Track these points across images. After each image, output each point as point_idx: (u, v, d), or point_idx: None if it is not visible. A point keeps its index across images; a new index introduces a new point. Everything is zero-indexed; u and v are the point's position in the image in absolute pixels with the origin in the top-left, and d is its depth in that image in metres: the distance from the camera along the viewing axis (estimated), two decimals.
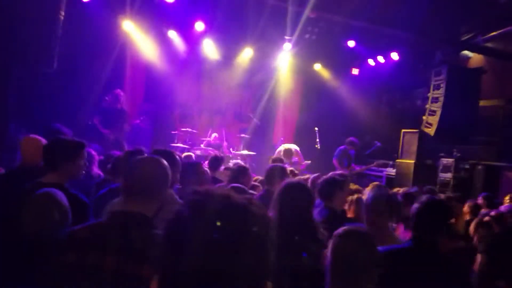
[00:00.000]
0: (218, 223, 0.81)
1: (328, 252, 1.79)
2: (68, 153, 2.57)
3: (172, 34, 9.91)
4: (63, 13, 5.77)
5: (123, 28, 9.14)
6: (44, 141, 3.09)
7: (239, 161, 8.03)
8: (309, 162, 9.01)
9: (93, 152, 4.36)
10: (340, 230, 1.84)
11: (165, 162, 1.82)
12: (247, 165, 5.07)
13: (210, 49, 10.35)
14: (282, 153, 8.25)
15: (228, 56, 10.57)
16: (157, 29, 9.65)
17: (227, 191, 0.89)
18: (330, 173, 3.50)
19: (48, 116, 6.52)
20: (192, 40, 10.06)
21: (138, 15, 8.98)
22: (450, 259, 2.47)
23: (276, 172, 3.60)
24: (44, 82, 7.04)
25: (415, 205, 2.48)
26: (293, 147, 8.88)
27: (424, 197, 2.52)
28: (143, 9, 8.82)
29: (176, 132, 9.69)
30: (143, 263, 1.51)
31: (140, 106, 9.99)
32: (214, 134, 10.03)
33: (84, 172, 2.81)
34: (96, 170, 4.37)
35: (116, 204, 2.24)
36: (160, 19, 9.38)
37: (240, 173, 4.29)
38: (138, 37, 9.47)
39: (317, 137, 9.69)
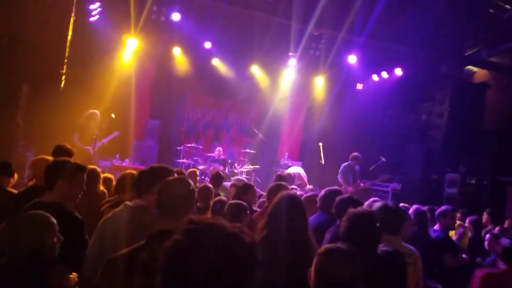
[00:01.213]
0: (212, 252, 0.88)
1: (312, 270, 1.79)
2: (64, 174, 2.65)
3: (178, 52, 10.07)
4: (70, 33, 5.93)
5: (129, 45, 9.31)
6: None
7: (242, 177, 8.06)
8: (311, 187, 8.90)
9: (98, 171, 4.42)
10: (322, 248, 1.85)
11: (191, 181, 2.04)
12: (252, 181, 5.11)
13: (216, 66, 10.50)
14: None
15: (233, 72, 10.69)
16: (163, 46, 9.81)
17: (220, 221, 0.96)
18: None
19: (55, 134, 6.64)
20: (198, 57, 10.21)
21: (144, 33, 9.16)
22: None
23: (274, 190, 3.62)
24: (51, 101, 7.17)
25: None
26: (297, 170, 8.84)
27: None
28: (149, 27, 9.00)
29: (181, 148, 9.78)
30: None
31: (146, 123, 10.12)
32: (218, 149, 10.09)
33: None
34: (101, 188, 4.43)
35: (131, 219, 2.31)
36: (166, 37, 9.54)
37: (244, 190, 4.33)
38: (144, 54, 9.64)
39: (321, 153, 9.71)
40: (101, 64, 8.73)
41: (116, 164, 8.29)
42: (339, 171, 8.89)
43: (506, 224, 5.57)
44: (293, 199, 2.76)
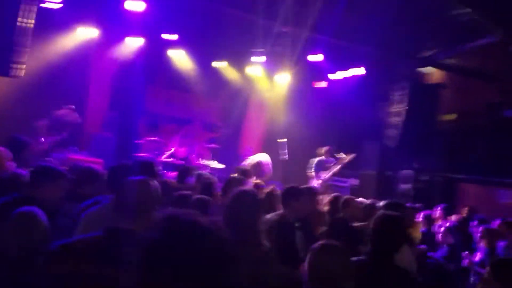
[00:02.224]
0: (188, 247, 0.89)
1: (305, 266, 1.85)
2: (50, 178, 2.97)
3: (140, 42, 9.78)
4: (32, 22, 5.67)
5: (88, 35, 8.98)
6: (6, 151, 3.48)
7: (206, 172, 7.99)
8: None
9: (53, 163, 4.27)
10: (316, 244, 1.91)
11: (156, 183, 2.03)
12: (215, 177, 5.08)
13: (179, 58, 10.30)
14: (250, 166, 8.31)
15: (197, 66, 10.55)
16: (123, 36, 9.54)
17: (195, 216, 0.97)
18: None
19: (12, 125, 6.38)
20: (160, 48, 9.99)
21: (105, 23, 8.87)
22: (405, 272, 2.57)
23: (233, 183, 3.65)
24: (10, 92, 6.88)
25: (373, 221, 2.57)
26: (263, 158, 8.89)
27: (380, 213, 2.62)
28: (109, 16, 8.72)
29: (141, 141, 9.57)
30: None
31: (104, 115, 9.82)
32: (180, 143, 9.96)
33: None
34: None
35: (104, 219, 2.28)
36: (126, 27, 9.26)
37: (209, 186, 4.32)
38: (102, 44, 9.30)
39: (285, 148, 9.82)
40: (57, 54, 8.40)
41: (72, 157, 8.01)
42: (313, 166, 9.10)
43: (456, 218, 5.86)
44: (247, 194, 2.76)
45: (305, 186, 4.45)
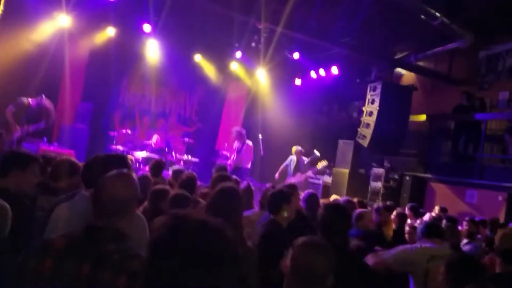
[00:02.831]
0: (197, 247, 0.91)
1: (287, 260, 1.87)
2: (18, 163, 2.76)
3: (114, 32, 9.58)
4: (1, 9, 5.48)
5: (61, 24, 8.71)
6: None
7: (181, 167, 7.95)
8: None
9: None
10: (300, 239, 1.93)
11: (135, 178, 1.88)
12: (190, 171, 5.07)
13: (156, 51, 10.13)
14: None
15: (174, 59, 10.43)
16: (98, 26, 9.33)
17: (203, 216, 0.98)
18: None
19: None
20: (136, 40, 9.82)
21: (78, 10, 8.63)
22: (355, 260, 2.67)
23: (217, 181, 3.64)
24: None
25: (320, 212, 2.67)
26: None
27: (326, 205, 2.69)
28: (83, 5, 8.52)
29: (115, 133, 9.42)
30: (119, 275, 1.60)
31: (77, 105, 9.60)
32: (156, 137, 9.85)
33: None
34: None
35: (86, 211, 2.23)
36: (101, 16, 9.06)
37: (190, 181, 4.31)
38: (77, 33, 9.06)
39: (260, 144, 9.88)
40: (29, 42, 8.15)
41: (43, 147, 7.80)
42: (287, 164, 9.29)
43: (427, 217, 6.06)
44: (231, 190, 2.82)
45: (287, 185, 4.48)
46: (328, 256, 1.89)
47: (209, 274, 0.89)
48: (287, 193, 3.48)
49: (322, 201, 5.33)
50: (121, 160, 2.65)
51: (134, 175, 1.91)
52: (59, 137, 9.03)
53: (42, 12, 8.25)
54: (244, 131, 9.19)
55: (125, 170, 1.95)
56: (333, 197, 6.90)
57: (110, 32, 9.50)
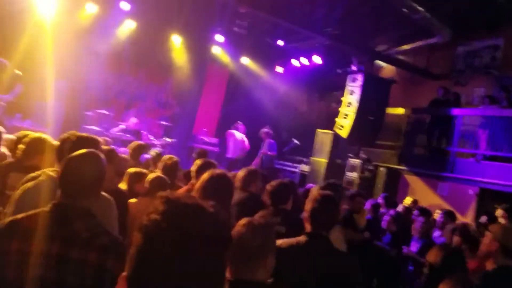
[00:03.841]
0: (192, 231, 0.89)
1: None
2: None
3: (92, 9, 9.31)
4: None
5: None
6: None
7: (158, 149, 7.86)
8: None
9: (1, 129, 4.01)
10: (243, 220, 1.93)
11: (103, 157, 1.89)
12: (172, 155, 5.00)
13: (133, 30, 9.91)
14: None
15: (153, 40, 10.20)
16: (75, 2, 9.03)
17: (197, 200, 0.97)
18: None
19: None
20: (115, 18, 9.57)
21: None
22: (341, 252, 2.68)
23: (203, 167, 3.60)
24: None
25: (311, 202, 2.61)
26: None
27: (317, 194, 2.66)
28: None
29: (90, 113, 9.21)
30: (89, 251, 1.63)
31: (51, 82, 9.29)
32: (133, 119, 9.68)
33: None
34: (2, 150, 4.04)
35: (52, 192, 2.16)
36: None
37: (173, 167, 4.27)
38: (51, 8, 8.73)
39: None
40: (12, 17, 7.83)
41: (16, 124, 7.56)
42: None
43: (400, 208, 6.20)
44: (222, 177, 2.82)
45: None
46: (266, 234, 1.90)
47: (202, 258, 0.88)
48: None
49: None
50: (93, 141, 2.60)
51: (101, 156, 1.90)
52: (33, 115, 8.75)
53: None
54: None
55: (92, 150, 1.94)
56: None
57: (90, 8, 9.24)
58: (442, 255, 2.82)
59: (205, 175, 2.78)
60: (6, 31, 7.78)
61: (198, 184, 2.77)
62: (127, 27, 9.83)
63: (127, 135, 9.03)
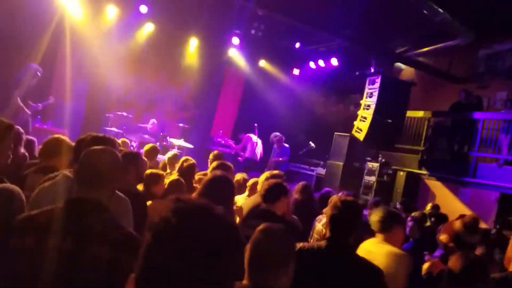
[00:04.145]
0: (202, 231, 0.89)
1: (248, 246, 1.83)
2: None
3: (114, 13, 9.45)
4: None
5: (59, 1, 8.56)
6: None
7: (176, 152, 7.91)
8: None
9: (21, 131, 4.08)
10: (262, 225, 1.89)
11: (117, 152, 1.96)
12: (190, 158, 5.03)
13: (153, 33, 10.02)
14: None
15: (172, 43, 10.30)
16: (96, 4, 9.17)
17: (207, 202, 0.98)
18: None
19: None
20: (134, 21, 9.69)
21: None
22: (361, 260, 2.61)
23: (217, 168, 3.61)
24: None
25: (330, 209, 2.58)
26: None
27: (338, 201, 2.61)
28: None
29: (110, 115, 9.33)
30: (102, 245, 1.63)
31: (72, 84, 9.45)
32: (152, 121, 9.77)
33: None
34: (22, 150, 4.11)
35: (67, 191, 2.23)
36: None
37: (190, 169, 4.29)
38: (75, 12, 8.91)
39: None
40: (29, 20, 8.01)
41: (37, 126, 7.72)
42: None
43: (417, 214, 6.07)
44: (222, 179, 2.80)
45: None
46: (289, 242, 1.86)
47: (211, 259, 0.88)
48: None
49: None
50: (109, 141, 2.62)
51: (116, 151, 1.96)
52: (54, 116, 8.92)
53: None
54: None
55: (108, 147, 2.00)
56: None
57: (110, 11, 9.38)
58: (463, 263, 2.74)
59: (206, 178, 2.79)
60: (30, 31, 7.93)
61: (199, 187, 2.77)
62: (147, 30, 9.94)
63: (146, 137, 9.12)
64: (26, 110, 7.19)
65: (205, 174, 4.24)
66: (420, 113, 10.03)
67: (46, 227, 1.65)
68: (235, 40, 10.21)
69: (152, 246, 0.88)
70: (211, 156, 5.34)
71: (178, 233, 0.86)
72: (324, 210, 3.82)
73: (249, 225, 2.57)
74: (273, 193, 3.31)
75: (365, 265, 2.51)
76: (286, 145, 9.81)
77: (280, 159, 9.71)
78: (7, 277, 1.64)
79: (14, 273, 1.62)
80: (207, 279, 0.86)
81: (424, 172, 9.16)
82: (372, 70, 9.80)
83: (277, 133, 9.78)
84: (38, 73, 7.47)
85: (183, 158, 4.56)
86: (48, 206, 1.79)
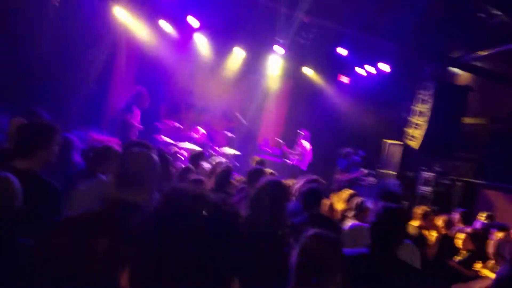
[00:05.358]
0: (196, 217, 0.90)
1: (296, 251, 1.80)
2: (41, 138, 2.54)
3: (164, 25, 9.83)
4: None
5: (115, 15, 9.04)
6: None
7: (222, 159, 8.01)
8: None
9: (74, 138, 4.27)
10: (310, 231, 1.85)
11: (155, 156, 2.00)
12: (231, 165, 5.06)
13: (202, 45, 10.30)
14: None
15: (220, 53, 10.52)
16: (149, 18, 9.57)
17: (201, 190, 1.01)
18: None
19: (35, 99, 6.45)
20: (184, 33, 10.01)
21: (131, 3, 8.93)
22: (406, 265, 2.50)
23: (254, 174, 3.61)
24: (34, 66, 6.97)
25: (373, 213, 2.51)
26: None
27: (380, 206, 2.51)
28: None
29: (160, 124, 9.62)
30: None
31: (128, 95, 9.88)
32: (200, 130, 9.98)
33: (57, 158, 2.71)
34: (77, 158, 4.30)
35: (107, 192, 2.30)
36: (153, 8, 9.31)
37: (226, 174, 4.31)
38: (131, 25, 9.35)
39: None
40: (87, 33, 8.50)
41: (93, 135, 8.08)
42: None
43: (479, 225, 5.72)
44: (277, 183, 2.77)
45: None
46: (338, 249, 1.82)
47: (202, 244, 0.87)
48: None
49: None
50: (147, 146, 2.69)
51: (154, 154, 2.01)
52: (109, 125, 9.32)
53: (97, 3, 8.58)
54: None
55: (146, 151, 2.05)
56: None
57: (160, 24, 9.75)
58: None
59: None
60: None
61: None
62: (195, 42, 10.24)
63: (195, 146, 9.29)
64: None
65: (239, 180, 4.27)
66: (478, 120, 9.50)
67: (83, 228, 1.69)
68: (282, 49, 10.23)
69: (148, 237, 0.89)
70: (253, 163, 5.34)
71: (169, 218, 0.87)
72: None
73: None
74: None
75: (415, 273, 2.42)
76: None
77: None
78: (44, 277, 1.66)
79: (51, 272, 1.65)
80: (202, 266, 0.85)
81: (482, 182, 8.64)
82: (426, 76, 9.43)
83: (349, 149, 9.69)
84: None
85: (220, 164, 4.60)
86: (86, 207, 1.84)
